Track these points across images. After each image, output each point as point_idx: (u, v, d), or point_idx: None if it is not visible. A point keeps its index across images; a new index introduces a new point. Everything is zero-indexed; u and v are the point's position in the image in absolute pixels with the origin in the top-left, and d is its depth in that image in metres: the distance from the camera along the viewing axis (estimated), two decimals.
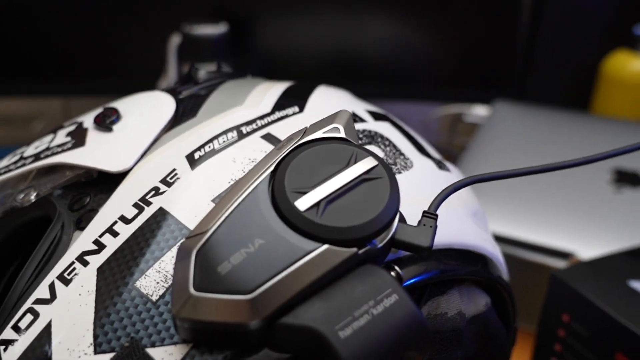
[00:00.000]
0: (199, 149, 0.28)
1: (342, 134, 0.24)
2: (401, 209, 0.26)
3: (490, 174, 0.27)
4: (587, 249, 0.53)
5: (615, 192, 0.58)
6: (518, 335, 0.57)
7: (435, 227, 0.24)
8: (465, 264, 0.28)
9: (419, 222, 0.24)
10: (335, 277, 0.21)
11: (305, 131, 0.25)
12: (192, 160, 0.27)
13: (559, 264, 0.52)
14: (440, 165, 0.32)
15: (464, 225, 0.30)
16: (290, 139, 0.25)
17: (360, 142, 0.30)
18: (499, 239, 0.56)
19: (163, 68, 0.68)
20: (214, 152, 0.28)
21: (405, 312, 0.21)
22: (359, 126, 0.31)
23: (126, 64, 0.73)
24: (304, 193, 0.22)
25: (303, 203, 0.22)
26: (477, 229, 0.31)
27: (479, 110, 0.75)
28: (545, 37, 0.82)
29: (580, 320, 0.40)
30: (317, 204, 0.22)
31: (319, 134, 0.24)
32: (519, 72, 0.80)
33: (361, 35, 0.78)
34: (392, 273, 0.23)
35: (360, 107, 0.33)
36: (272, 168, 0.23)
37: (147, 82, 0.69)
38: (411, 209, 0.25)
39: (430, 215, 0.24)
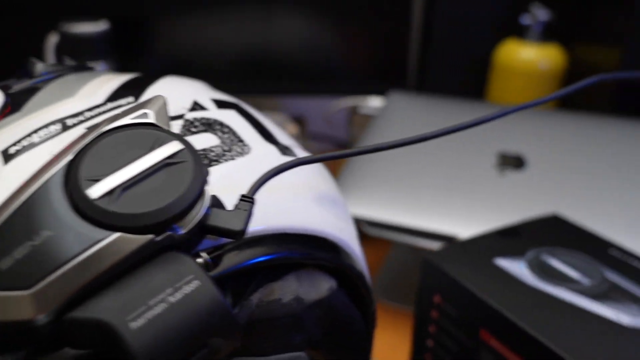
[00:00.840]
0: (15, 143, 0.26)
1: (152, 120, 0.24)
2: (230, 195, 0.26)
3: (316, 156, 0.27)
4: (472, 232, 0.54)
5: (500, 175, 0.60)
6: (404, 318, 0.58)
7: (251, 210, 0.23)
8: (302, 249, 0.28)
9: (235, 206, 0.24)
10: (132, 267, 0.21)
11: (113, 118, 0.24)
12: (7, 155, 0.26)
13: None
14: (285, 151, 0.31)
15: (305, 210, 0.29)
16: (95, 126, 0.24)
17: (195, 129, 0.29)
18: (386, 226, 0.56)
19: None
20: (32, 145, 0.26)
21: (206, 298, 0.20)
22: (197, 114, 0.30)
23: (5, 64, 0.69)
24: (99, 181, 0.21)
25: (96, 191, 0.21)
26: (323, 214, 0.30)
27: (374, 102, 0.76)
28: (438, 29, 0.84)
29: (449, 300, 0.40)
30: (112, 191, 0.21)
31: (126, 120, 0.23)
32: (416, 64, 0.81)
33: (264, 34, 0.78)
34: (199, 260, 0.22)
35: (206, 96, 0.33)
36: (70, 157, 0.22)
37: None
38: (240, 194, 0.25)
39: (247, 199, 0.24)
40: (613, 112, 0.76)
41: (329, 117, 0.78)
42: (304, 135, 0.82)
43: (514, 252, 0.42)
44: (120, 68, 0.68)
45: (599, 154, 0.61)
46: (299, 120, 0.83)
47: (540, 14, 0.79)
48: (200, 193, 0.22)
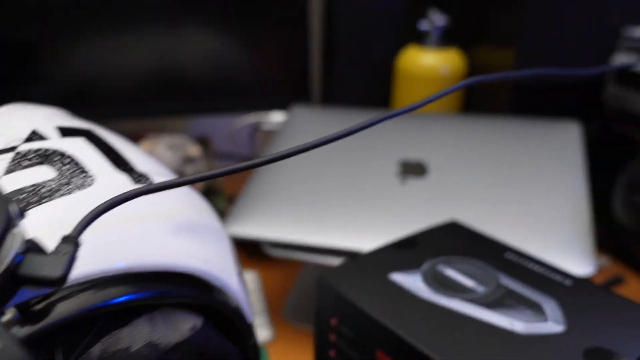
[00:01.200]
0: None
1: None
2: (58, 234, 0.23)
3: (150, 186, 0.24)
4: (376, 244, 0.52)
5: (402, 183, 0.59)
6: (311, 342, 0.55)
7: (74, 253, 0.21)
8: (152, 288, 0.25)
9: (55, 248, 0.21)
10: None
11: None
12: None
13: None
14: (139, 179, 0.29)
15: (160, 244, 0.26)
16: None
17: (28, 163, 0.26)
18: (288, 246, 0.54)
19: None
20: None
21: None
22: (33, 145, 0.27)
23: None
24: None
25: None
26: (185, 246, 0.28)
27: (277, 117, 0.74)
28: (339, 40, 0.83)
29: (345, 321, 0.38)
30: None
31: None
32: (318, 76, 0.80)
33: (163, 54, 0.74)
34: (4, 318, 0.19)
35: (50, 125, 0.29)
36: None
37: None
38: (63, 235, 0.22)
39: (70, 239, 0.21)
40: (512, 113, 0.77)
41: (233, 135, 0.75)
42: (210, 155, 0.79)
43: (411, 265, 0.40)
44: (1, 97, 0.63)
45: (498, 156, 0.61)
46: (202, 141, 0.80)
47: (437, 19, 0.80)
48: (2, 239, 0.19)
